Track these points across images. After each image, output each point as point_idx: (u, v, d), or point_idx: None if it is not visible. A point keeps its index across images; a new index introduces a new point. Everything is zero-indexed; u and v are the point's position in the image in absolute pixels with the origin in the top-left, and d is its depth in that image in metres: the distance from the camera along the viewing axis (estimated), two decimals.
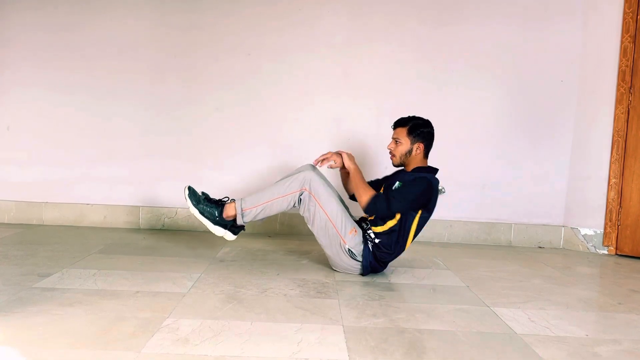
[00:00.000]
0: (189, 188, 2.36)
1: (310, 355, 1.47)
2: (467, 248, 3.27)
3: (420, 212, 2.33)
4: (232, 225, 2.37)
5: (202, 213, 2.32)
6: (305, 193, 2.29)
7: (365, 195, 2.31)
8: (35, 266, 2.28)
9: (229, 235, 2.38)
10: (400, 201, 2.28)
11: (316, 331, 1.66)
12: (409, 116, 2.46)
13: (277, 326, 1.69)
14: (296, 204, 2.33)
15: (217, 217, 2.32)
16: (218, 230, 2.34)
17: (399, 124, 2.45)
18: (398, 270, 2.54)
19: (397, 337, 1.65)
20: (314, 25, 3.38)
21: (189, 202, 2.33)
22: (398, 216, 2.32)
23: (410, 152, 2.40)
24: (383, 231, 2.33)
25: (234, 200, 2.36)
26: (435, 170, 2.45)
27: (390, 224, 2.33)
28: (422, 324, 1.78)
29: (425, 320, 1.83)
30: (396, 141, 2.42)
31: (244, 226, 2.41)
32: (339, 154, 2.44)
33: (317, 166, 2.42)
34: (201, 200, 2.34)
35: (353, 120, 3.41)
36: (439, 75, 3.40)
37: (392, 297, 2.10)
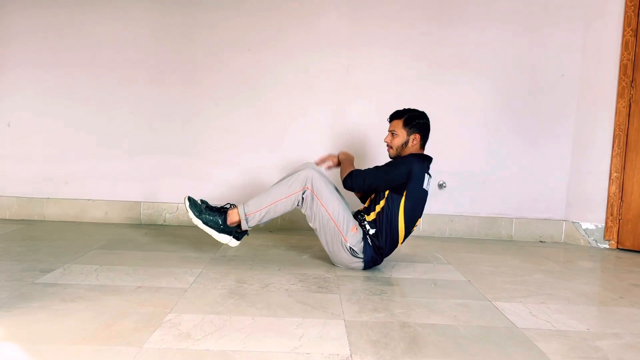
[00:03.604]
0: (189, 199, 2.29)
1: (311, 350, 1.47)
2: (468, 243, 3.27)
3: (403, 198, 2.30)
4: (236, 231, 2.33)
5: (206, 223, 2.26)
6: (308, 192, 2.27)
7: (345, 173, 2.38)
8: (37, 262, 2.29)
9: (233, 242, 2.33)
10: (375, 176, 2.31)
11: (317, 326, 1.66)
12: (405, 108, 2.46)
13: (278, 321, 1.69)
14: (300, 204, 2.31)
15: (221, 225, 2.27)
16: (224, 238, 2.30)
17: (395, 116, 2.45)
18: (399, 265, 2.54)
19: (398, 331, 1.65)
20: (316, 20, 3.37)
21: (190, 214, 2.26)
22: (382, 202, 2.34)
23: (406, 143, 2.40)
24: (374, 218, 2.35)
25: (235, 205, 2.32)
26: (427, 157, 2.44)
27: (378, 208, 2.35)
28: (424, 319, 1.78)
29: (427, 314, 1.83)
30: (392, 133, 2.42)
31: (247, 231, 2.38)
32: (334, 155, 2.56)
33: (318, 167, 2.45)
34: (203, 210, 2.28)
35: (354, 115, 3.40)
36: (438, 72, 3.39)
37: (394, 291, 2.11)
